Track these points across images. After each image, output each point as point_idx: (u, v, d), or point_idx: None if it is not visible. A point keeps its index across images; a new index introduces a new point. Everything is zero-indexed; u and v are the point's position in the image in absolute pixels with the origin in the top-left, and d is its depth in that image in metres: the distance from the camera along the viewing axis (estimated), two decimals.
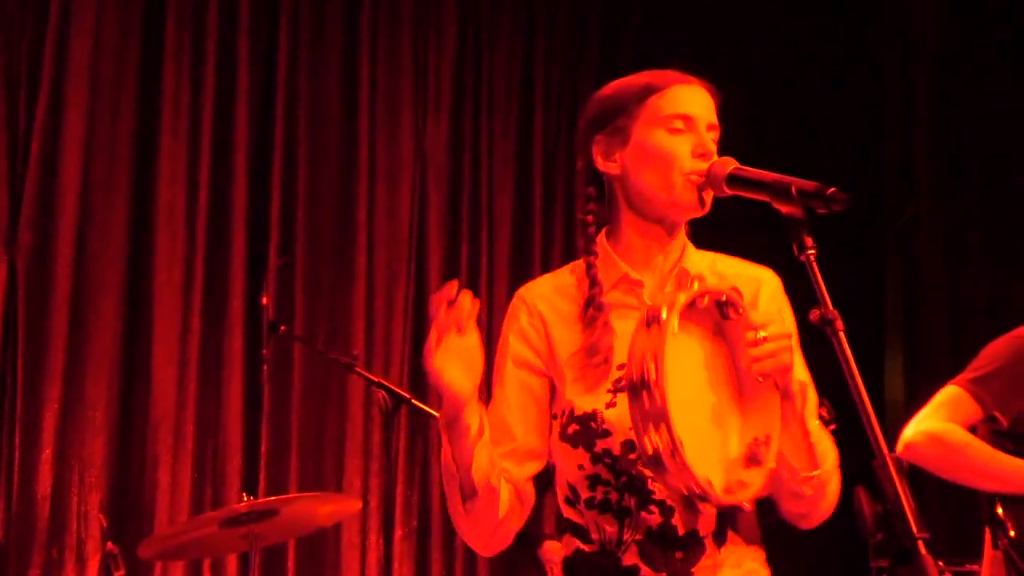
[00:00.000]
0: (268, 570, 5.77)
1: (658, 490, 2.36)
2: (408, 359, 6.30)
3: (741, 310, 2.18)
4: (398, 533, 6.17)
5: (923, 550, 1.93)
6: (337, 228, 6.32)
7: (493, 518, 2.38)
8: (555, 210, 6.84)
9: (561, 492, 2.48)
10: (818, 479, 2.32)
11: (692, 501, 2.19)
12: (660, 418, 2.07)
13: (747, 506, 2.23)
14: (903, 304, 6.79)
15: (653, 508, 2.37)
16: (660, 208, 2.42)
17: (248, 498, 4.53)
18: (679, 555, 2.37)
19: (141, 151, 5.92)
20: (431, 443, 6.24)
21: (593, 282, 2.44)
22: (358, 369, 5.00)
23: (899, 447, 3.69)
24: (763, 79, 6.61)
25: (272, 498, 4.53)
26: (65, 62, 5.77)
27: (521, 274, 6.64)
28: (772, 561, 2.52)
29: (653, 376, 2.07)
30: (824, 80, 6.92)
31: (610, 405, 2.37)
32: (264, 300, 5.27)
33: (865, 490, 2.01)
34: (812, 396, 2.36)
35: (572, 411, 2.40)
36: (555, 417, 2.45)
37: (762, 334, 2.17)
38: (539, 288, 2.54)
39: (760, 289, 2.45)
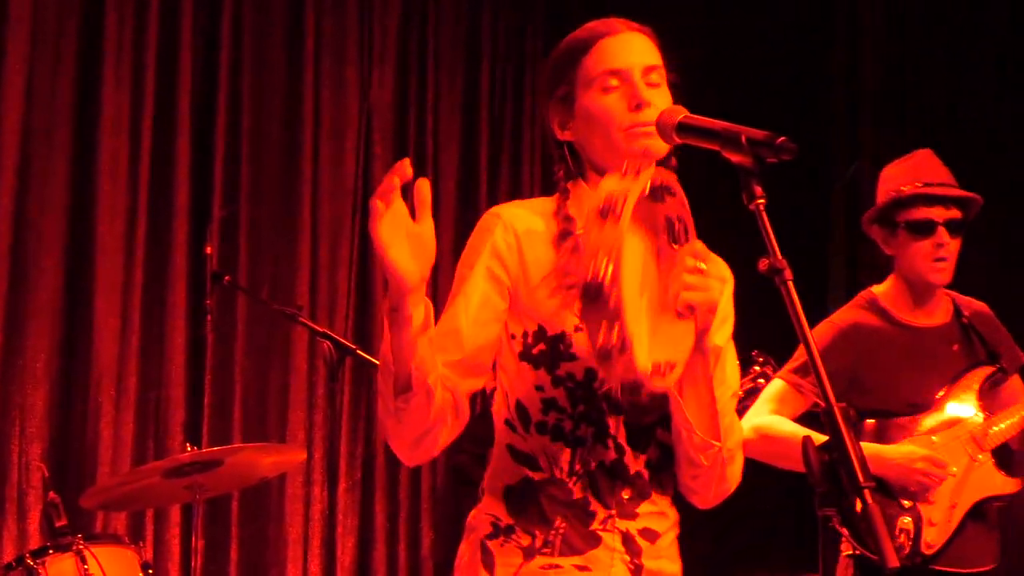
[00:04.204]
0: (211, 521, 5.76)
1: (613, 425, 2.36)
2: (353, 310, 6.28)
3: (690, 234, 2.18)
4: (342, 485, 6.17)
5: (869, 499, 1.94)
6: (282, 179, 6.28)
7: (424, 418, 2.26)
8: (501, 164, 6.83)
9: (502, 415, 2.45)
10: (717, 452, 2.32)
11: (636, 388, 2.26)
12: (615, 317, 2.07)
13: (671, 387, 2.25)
14: (846, 261, 6.83)
15: (609, 443, 2.37)
16: (615, 168, 2.41)
17: (192, 448, 4.51)
18: (627, 493, 2.38)
19: (83, 100, 5.84)
20: (375, 395, 6.23)
21: (566, 218, 2.42)
22: (302, 320, 4.96)
23: None
24: (708, 34, 6.60)
25: (216, 448, 4.51)
26: (5, 9, 5.68)
27: (466, 228, 6.61)
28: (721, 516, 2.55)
29: (609, 276, 2.06)
30: (771, 36, 6.93)
31: (578, 329, 2.33)
32: (208, 249, 5.23)
33: (811, 440, 2.01)
34: (731, 370, 2.42)
35: (541, 330, 2.38)
36: (513, 337, 2.42)
37: (702, 266, 2.18)
38: (515, 208, 2.51)
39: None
